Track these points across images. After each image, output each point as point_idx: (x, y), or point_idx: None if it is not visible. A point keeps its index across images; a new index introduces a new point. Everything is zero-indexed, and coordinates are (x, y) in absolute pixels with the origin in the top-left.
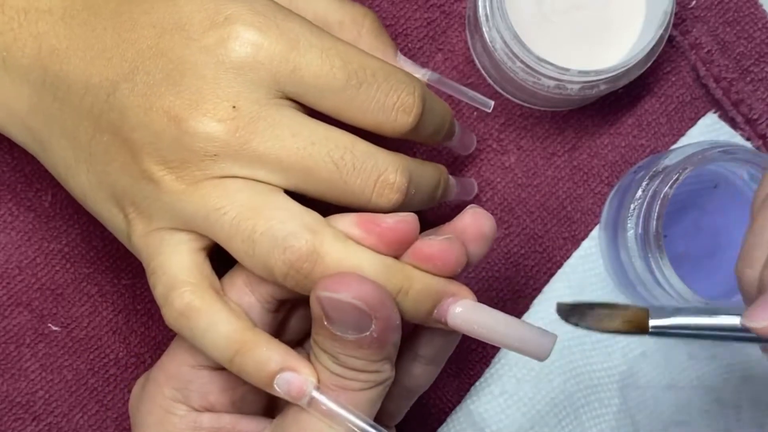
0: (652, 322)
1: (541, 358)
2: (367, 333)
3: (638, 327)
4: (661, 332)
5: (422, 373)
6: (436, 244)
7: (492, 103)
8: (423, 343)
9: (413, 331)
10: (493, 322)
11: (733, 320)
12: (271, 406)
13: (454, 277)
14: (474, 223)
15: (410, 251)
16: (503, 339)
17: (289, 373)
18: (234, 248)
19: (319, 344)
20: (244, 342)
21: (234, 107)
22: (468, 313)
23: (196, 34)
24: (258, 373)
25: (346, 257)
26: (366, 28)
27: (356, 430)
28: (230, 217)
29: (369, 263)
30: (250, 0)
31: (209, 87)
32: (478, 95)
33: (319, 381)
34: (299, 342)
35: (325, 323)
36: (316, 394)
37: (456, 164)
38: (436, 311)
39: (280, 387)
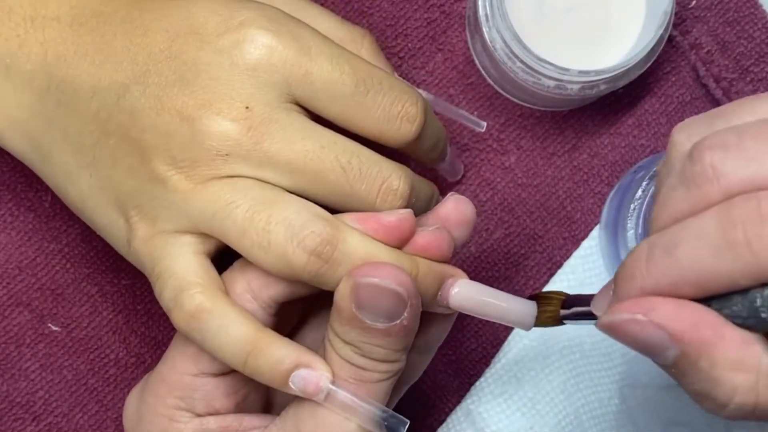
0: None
1: (528, 326)
2: (398, 321)
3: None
4: (568, 318)
5: (415, 362)
6: (428, 235)
7: (484, 124)
8: (417, 332)
9: None
10: (487, 298)
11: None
12: (269, 402)
13: (445, 263)
14: (456, 209)
15: (409, 243)
16: (497, 313)
17: (304, 370)
18: (247, 243)
19: (342, 336)
20: (256, 343)
21: (247, 108)
22: (465, 292)
23: (211, 38)
24: (272, 372)
25: (362, 243)
26: (365, 47)
27: (375, 420)
28: (243, 210)
29: (382, 250)
30: (261, 7)
31: (223, 87)
32: (471, 116)
33: (335, 375)
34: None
35: (355, 312)
36: (334, 388)
37: None
38: (439, 294)
39: (296, 384)
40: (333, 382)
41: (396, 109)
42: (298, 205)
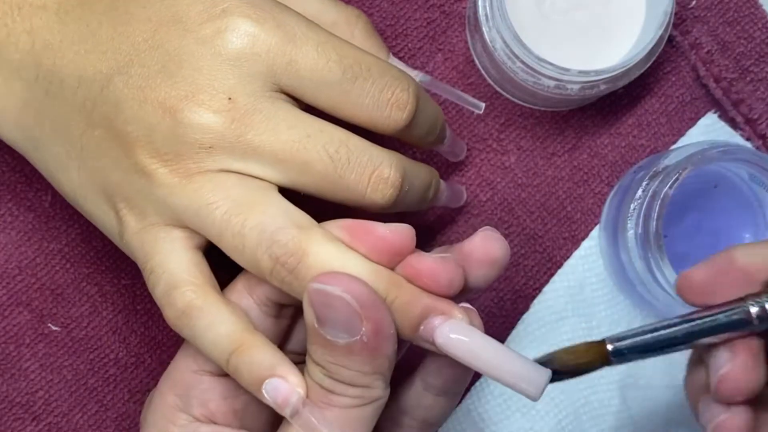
0: (611, 346)
1: (534, 396)
2: (358, 337)
3: (599, 356)
4: (622, 355)
5: (434, 404)
6: (427, 261)
7: (483, 105)
8: (432, 372)
9: (424, 359)
10: (483, 349)
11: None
12: (276, 422)
13: (446, 297)
14: (483, 246)
15: (401, 264)
16: (492, 369)
17: (278, 380)
18: (225, 244)
19: (312, 355)
20: (241, 342)
21: (230, 99)
22: (456, 335)
23: (193, 26)
24: (249, 375)
25: (332, 258)
26: (359, 29)
27: None
28: (221, 212)
29: (356, 266)
30: None
31: (205, 78)
32: (470, 97)
33: (308, 396)
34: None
35: (316, 326)
36: (300, 406)
37: (456, 164)
38: (422, 328)
39: (268, 393)
40: (304, 402)
41: (386, 96)
42: (275, 210)
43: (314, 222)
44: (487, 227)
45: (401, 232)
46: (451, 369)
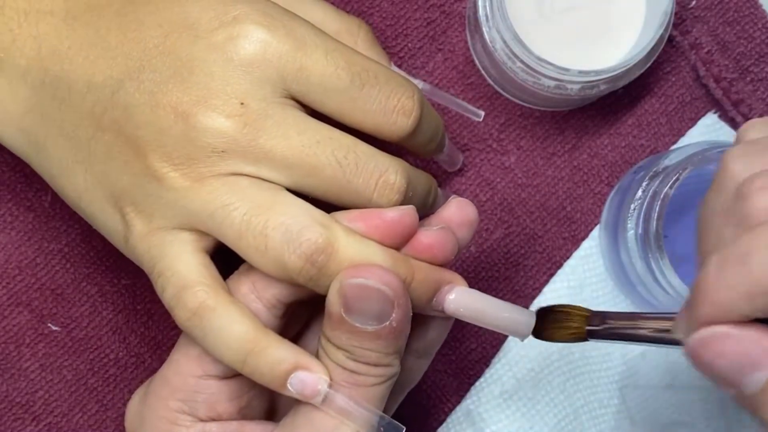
0: (588, 328)
1: (524, 335)
2: (387, 323)
3: (579, 334)
4: (597, 336)
5: (413, 366)
6: (433, 234)
7: (482, 113)
8: (415, 336)
9: None
10: (485, 305)
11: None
12: (273, 408)
13: (447, 264)
14: (459, 211)
15: (410, 242)
16: (492, 321)
17: (303, 372)
18: (244, 245)
19: (333, 340)
20: (257, 342)
21: (242, 104)
22: (462, 299)
23: (205, 33)
24: (271, 373)
25: (357, 250)
26: (361, 38)
27: (372, 425)
28: (241, 212)
29: (378, 255)
30: (255, 1)
31: (217, 83)
32: (469, 105)
33: (331, 379)
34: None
35: (344, 315)
36: (331, 392)
37: None
38: (435, 299)
39: (294, 387)
40: (330, 386)
41: (392, 102)
42: (296, 209)
43: (331, 217)
44: (454, 195)
45: (409, 213)
46: (434, 331)
